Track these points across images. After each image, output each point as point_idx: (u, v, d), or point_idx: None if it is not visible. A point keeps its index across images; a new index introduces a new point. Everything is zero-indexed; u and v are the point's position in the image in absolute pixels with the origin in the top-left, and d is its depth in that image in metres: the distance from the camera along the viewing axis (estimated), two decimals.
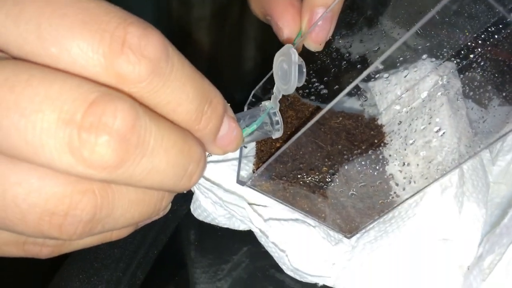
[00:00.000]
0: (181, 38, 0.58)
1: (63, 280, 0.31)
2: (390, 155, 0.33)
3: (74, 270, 0.31)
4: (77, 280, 0.31)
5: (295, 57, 0.23)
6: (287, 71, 0.23)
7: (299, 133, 0.27)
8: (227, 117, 0.20)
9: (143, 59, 0.15)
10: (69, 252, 0.20)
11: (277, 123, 0.28)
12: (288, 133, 0.35)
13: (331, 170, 0.31)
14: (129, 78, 0.15)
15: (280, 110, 0.29)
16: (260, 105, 0.28)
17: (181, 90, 0.16)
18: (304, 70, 0.23)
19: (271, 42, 0.58)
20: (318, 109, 0.36)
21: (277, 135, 0.28)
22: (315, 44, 0.29)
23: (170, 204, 0.21)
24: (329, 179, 0.31)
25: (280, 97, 0.26)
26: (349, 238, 0.32)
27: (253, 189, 0.31)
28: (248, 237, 0.34)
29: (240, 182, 0.31)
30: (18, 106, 0.13)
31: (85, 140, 0.14)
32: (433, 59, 0.33)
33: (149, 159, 0.15)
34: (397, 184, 0.31)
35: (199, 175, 0.18)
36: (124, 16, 0.15)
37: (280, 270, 0.32)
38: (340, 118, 0.35)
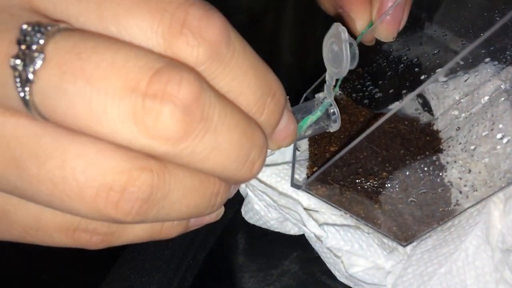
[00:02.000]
0: None
1: (115, 280, 0.30)
2: (448, 162, 0.32)
3: (126, 270, 0.31)
4: (129, 280, 0.30)
5: (345, 35, 0.21)
6: (338, 53, 0.21)
7: (361, 137, 0.26)
8: (286, 110, 0.19)
9: (202, 41, 0.14)
10: (118, 245, 0.18)
11: (334, 113, 0.25)
12: (341, 137, 0.34)
13: (391, 176, 0.30)
14: (186, 60, 0.14)
15: None
16: (314, 98, 0.26)
17: (242, 78, 0.16)
18: (357, 51, 0.21)
19: (306, 50, 0.57)
20: (372, 113, 0.35)
21: (334, 127, 0.26)
22: (386, 34, 0.28)
23: (223, 209, 0.20)
24: (388, 185, 0.30)
25: (334, 83, 0.24)
26: (404, 246, 0.31)
27: (308, 193, 0.30)
28: (298, 242, 0.33)
29: (295, 185, 0.31)
30: (84, 73, 0.13)
31: (149, 108, 0.13)
32: (496, 63, 0.32)
33: (212, 136, 0.15)
34: (460, 192, 0.30)
35: (260, 164, 0.17)
36: None
37: (333, 277, 0.32)
38: (394, 123, 0.34)
